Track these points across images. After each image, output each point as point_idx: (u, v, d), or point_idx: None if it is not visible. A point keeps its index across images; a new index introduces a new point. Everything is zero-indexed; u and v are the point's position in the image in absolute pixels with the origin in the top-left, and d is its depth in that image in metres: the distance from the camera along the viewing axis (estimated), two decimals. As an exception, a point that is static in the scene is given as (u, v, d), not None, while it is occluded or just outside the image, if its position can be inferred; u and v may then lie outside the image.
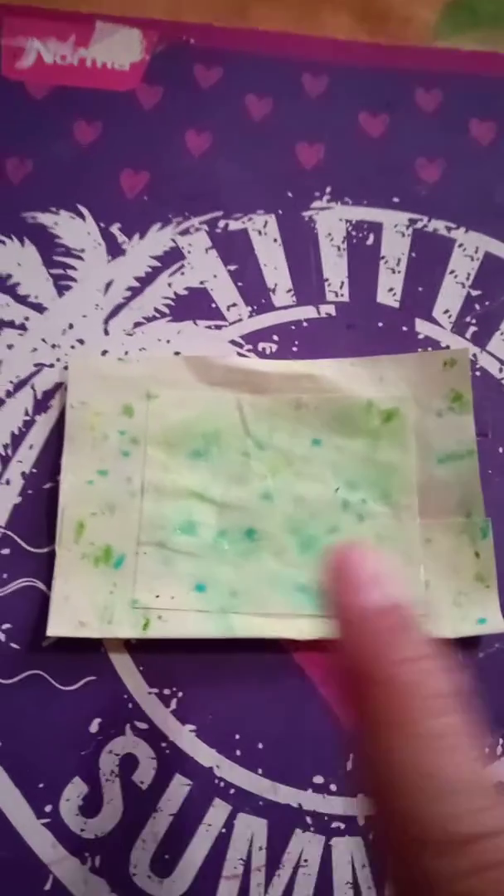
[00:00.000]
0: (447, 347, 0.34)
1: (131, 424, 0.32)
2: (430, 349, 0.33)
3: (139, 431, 0.32)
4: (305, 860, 0.27)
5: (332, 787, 0.28)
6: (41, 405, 0.33)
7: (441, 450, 0.32)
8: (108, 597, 0.29)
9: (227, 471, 0.31)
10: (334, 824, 0.28)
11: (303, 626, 0.29)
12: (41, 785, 0.28)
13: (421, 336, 0.34)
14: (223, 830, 0.28)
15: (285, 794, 0.28)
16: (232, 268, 0.35)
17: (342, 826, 0.28)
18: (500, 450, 0.32)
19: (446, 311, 0.34)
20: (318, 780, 0.28)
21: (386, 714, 0.17)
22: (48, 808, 0.28)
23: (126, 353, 0.33)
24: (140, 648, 0.29)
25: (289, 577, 0.30)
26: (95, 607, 0.29)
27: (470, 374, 0.32)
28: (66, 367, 0.33)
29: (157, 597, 0.29)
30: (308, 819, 0.28)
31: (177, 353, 0.33)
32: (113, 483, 0.31)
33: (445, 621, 0.29)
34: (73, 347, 0.33)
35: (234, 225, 0.36)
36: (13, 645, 0.29)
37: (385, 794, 0.16)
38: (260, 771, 0.28)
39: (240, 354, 0.33)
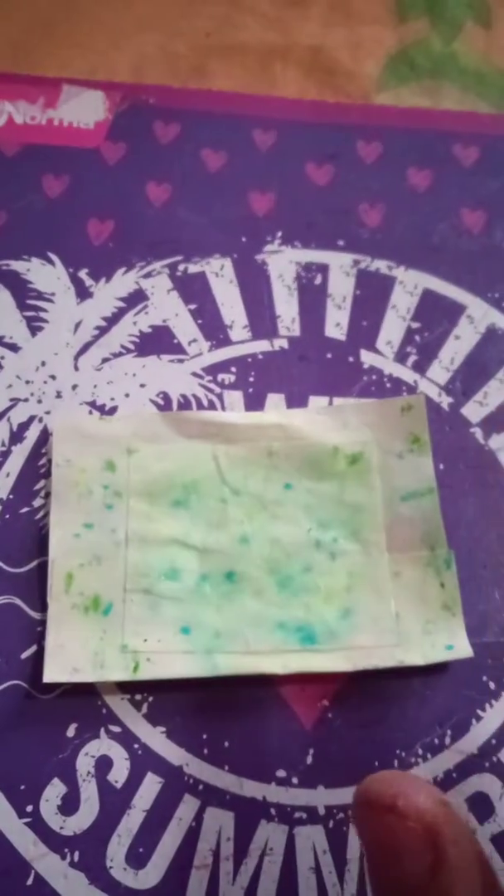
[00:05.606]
0: (390, 375, 0.37)
1: (114, 479, 0.34)
2: (374, 377, 0.37)
3: (122, 485, 0.33)
4: (271, 848, 0.30)
5: (294, 780, 0.30)
6: (16, 436, 0.35)
7: (403, 488, 0.34)
8: (99, 643, 0.31)
9: (207, 518, 0.33)
10: (297, 814, 0.30)
11: (285, 660, 0.31)
12: (22, 787, 0.30)
13: (366, 365, 0.37)
14: (193, 824, 0.30)
15: (250, 788, 0.30)
16: (192, 307, 0.38)
17: (304, 816, 0.30)
18: (441, 466, 0.35)
19: (389, 342, 0.37)
20: (281, 773, 0.30)
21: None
22: (29, 809, 0.30)
23: (95, 386, 0.36)
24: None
25: (269, 616, 0.32)
26: (87, 653, 0.31)
27: (426, 418, 0.35)
28: (39, 402, 0.36)
29: (145, 640, 0.31)
30: (272, 810, 0.30)
31: (143, 385, 0.36)
32: (99, 535, 0.33)
33: (416, 649, 0.31)
34: (45, 382, 0.36)
35: (193, 268, 0.39)
36: (-6, 658, 0.32)
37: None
38: (226, 767, 0.30)
39: (201, 385, 0.36)
